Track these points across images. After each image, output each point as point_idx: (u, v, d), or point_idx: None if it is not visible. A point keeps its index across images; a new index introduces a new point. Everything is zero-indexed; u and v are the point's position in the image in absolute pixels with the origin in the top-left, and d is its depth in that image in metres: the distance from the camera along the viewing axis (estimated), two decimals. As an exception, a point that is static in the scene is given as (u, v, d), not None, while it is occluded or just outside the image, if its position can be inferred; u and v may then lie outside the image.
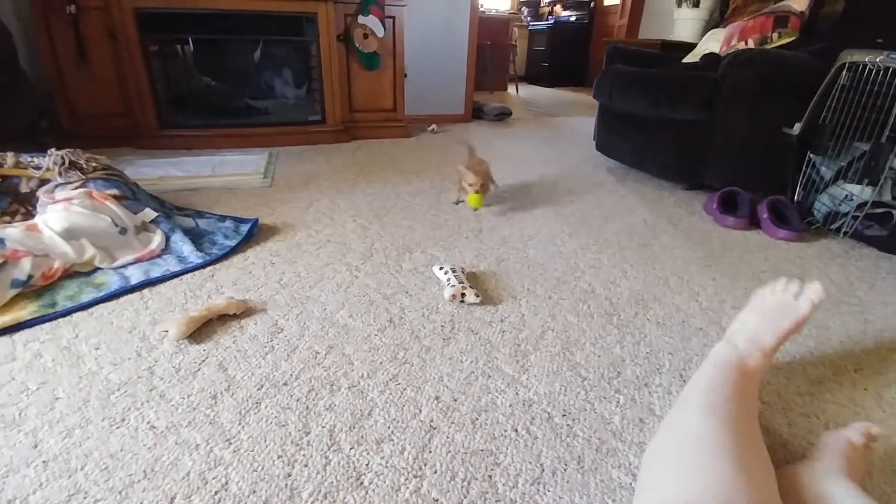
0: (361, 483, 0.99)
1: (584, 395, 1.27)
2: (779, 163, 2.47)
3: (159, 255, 1.83)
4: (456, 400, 1.21)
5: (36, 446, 1.06)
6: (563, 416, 1.20)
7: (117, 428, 1.11)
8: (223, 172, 2.81)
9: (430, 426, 1.14)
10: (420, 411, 1.17)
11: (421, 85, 4.44)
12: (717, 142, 2.57)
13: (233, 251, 1.88)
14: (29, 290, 1.60)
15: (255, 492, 0.98)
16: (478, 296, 1.59)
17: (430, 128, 4.13)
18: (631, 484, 1.02)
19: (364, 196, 2.46)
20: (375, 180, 2.68)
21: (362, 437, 1.10)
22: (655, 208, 2.54)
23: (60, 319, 1.49)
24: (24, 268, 1.61)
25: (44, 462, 1.03)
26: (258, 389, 1.23)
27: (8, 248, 1.63)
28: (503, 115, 4.66)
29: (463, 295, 1.58)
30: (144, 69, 3.29)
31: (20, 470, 1.01)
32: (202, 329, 1.42)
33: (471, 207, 2.27)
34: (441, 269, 1.71)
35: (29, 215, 1.93)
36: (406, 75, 3.96)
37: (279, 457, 1.05)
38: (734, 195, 2.49)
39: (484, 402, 1.21)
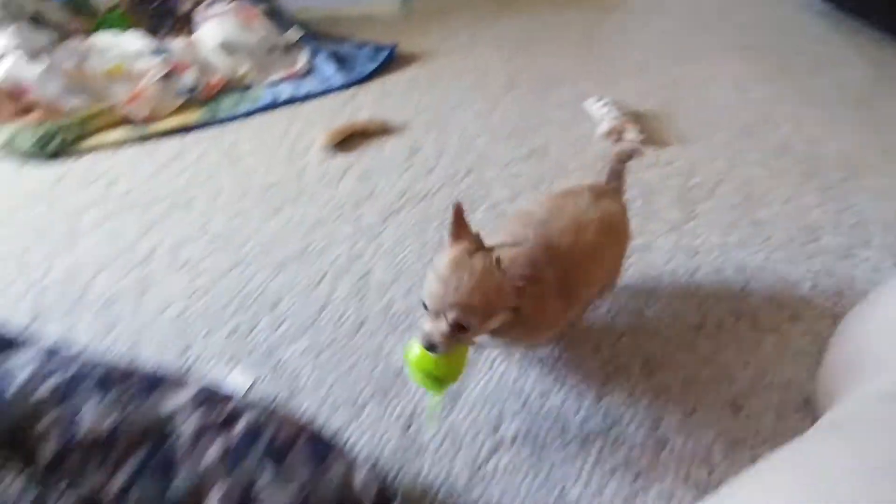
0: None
1: (765, 255, 1.04)
2: None
3: (304, 75, 1.83)
4: (605, 236, 1.08)
5: (205, 225, 1.19)
6: (737, 271, 1.01)
7: (273, 217, 1.19)
8: (360, 4, 2.66)
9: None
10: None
11: None
12: None
13: (372, 75, 1.81)
14: (194, 100, 1.72)
15: (396, 281, 1.00)
16: (641, 132, 1.34)
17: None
18: (818, 352, 0.83)
19: (509, 26, 2.16)
20: (523, 9, 2.34)
21: (500, 255, 1.04)
22: (878, 65, 1.86)
23: (220, 127, 1.59)
24: (189, 78, 1.72)
25: (212, 237, 1.15)
26: (398, 200, 1.21)
27: (174, 58, 1.74)
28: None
29: (622, 131, 1.35)
30: None
31: (193, 241, 1.14)
32: (345, 142, 1.42)
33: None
34: (596, 103, 1.46)
35: (189, 33, 2.02)
36: None
37: (419, 258, 1.04)
38: None
39: (638, 243, 1.05)
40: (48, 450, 0.62)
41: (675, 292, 0.96)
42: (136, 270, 1.06)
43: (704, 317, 0.92)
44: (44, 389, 0.63)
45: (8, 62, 1.53)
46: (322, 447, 0.61)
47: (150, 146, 1.50)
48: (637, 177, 1.24)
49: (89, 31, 1.83)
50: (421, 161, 1.34)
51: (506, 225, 0.78)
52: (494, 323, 0.64)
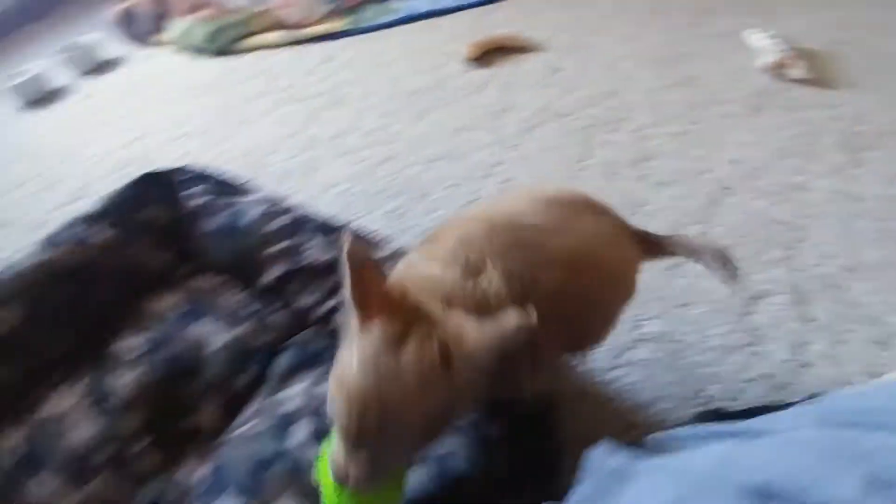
0: (641, 210, 0.97)
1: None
2: None
3: (440, -10, 1.84)
4: (757, 169, 1.04)
5: (359, 120, 1.29)
6: (903, 221, 0.94)
7: (420, 120, 1.26)
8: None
9: (723, 186, 1.01)
10: (712, 170, 1.04)
11: None
12: None
13: (508, -7, 1.78)
14: (338, 9, 1.80)
15: (537, 191, 1.05)
16: (807, 70, 1.23)
17: None
18: None
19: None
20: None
21: (643, 175, 1.04)
22: None
23: (363, 36, 1.66)
24: (336, -14, 1.79)
25: (366, 132, 1.25)
26: (538, 114, 1.23)
27: (325, -35, 1.80)
28: None
29: (788, 65, 1.24)
30: None
31: (350, 133, 1.25)
32: (484, 56, 1.44)
33: None
34: (758, 34, 1.34)
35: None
36: None
37: (559, 170, 1.07)
38: None
39: (796, 180, 1.01)
40: (272, 274, 0.76)
41: (829, 234, 0.93)
42: (303, 153, 1.20)
43: (858, 261, 0.88)
44: (274, 225, 0.76)
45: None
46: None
47: (301, 49, 1.62)
48: (799, 115, 1.16)
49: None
50: (561, 80, 1.34)
51: (452, 234, 0.52)
52: (442, 434, 0.45)
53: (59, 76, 1.66)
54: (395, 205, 1.05)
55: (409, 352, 0.40)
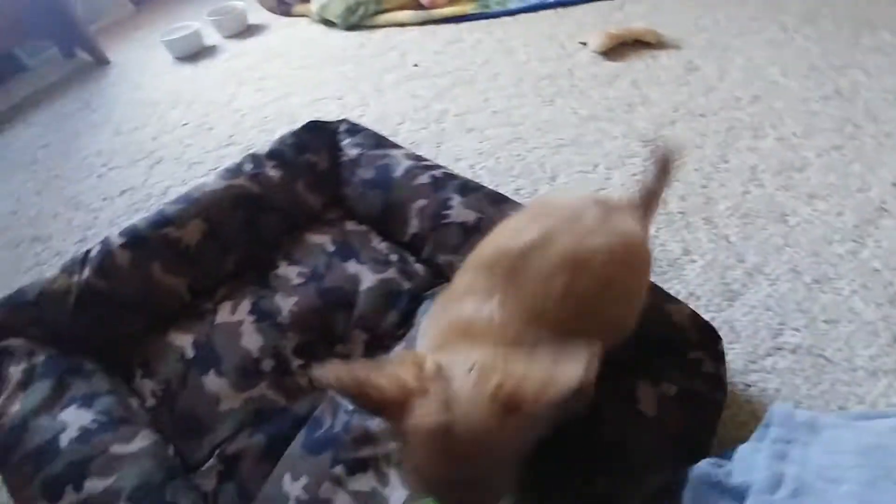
0: (786, 221, 0.92)
1: None
2: None
3: (570, -19, 1.83)
4: (926, 196, 0.95)
5: (486, 100, 1.31)
6: None
7: (547, 105, 1.27)
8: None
9: (881, 207, 0.93)
10: (869, 188, 0.96)
11: None
12: None
13: (641, -12, 1.73)
14: (466, -8, 1.83)
15: (669, 188, 1.02)
16: None
17: None
18: None
19: (807, -46, 1.85)
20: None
21: (790, 185, 0.98)
22: None
23: (492, 20, 1.69)
24: (467, -30, 1.83)
25: (493, 112, 1.27)
26: (673, 112, 1.19)
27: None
28: None
29: (971, 84, 1.11)
30: None
31: (477, 112, 1.28)
32: (616, 49, 1.41)
33: None
34: (936, 48, 1.21)
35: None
36: None
37: (696, 169, 1.04)
38: None
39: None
40: (413, 227, 0.80)
41: None
42: (431, 126, 1.24)
43: None
44: (422, 178, 0.80)
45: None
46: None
47: (430, 29, 1.67)
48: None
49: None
50: (699, 79, 1.28)
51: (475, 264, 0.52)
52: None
53: (210, 36, 1.83)
54: (520, 184, 1.06)
55: (467, 431, 0.38)
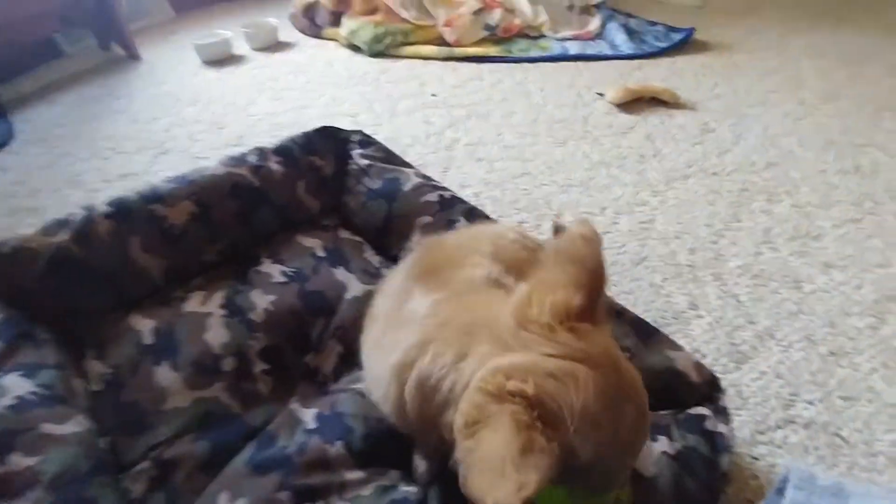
0: (800, 287, 0.87)
1: None
2: None
3: (593, 38, 1.87)
4: (950, 282, 0.90)
5: (499, 135, 1.30)
6: None
7: (559, 146, 1.26)
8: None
9: (904, 285, 0.89)
10: (890, 265, 0.92)
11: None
12: None
13: (662, 52, 1.77)
14: (493, 36, 1.88)
15: (678, 238, 0.98)
16: None
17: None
18: None
19: (829, 39, 1.90)
20: (848, 26, 2.03)
21: (805, 251, 0.94)
22: None
23: (514, 64, 1.72)
24: (495, 16, 1.88)
25: (504, 146, 1.26)
26: (686, 167, 1.17)
27: (490, -2, 1.91)
28: None
29: None
30: None
31: (489, 144, 1.27)
32: (633, 103, 1.42)
33: None
34: (954, 138, 1.21)
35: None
36: None
37: (707, 225, 1.00)
38: None
39: None
40: (417, 242, 0.75)
41: None
42: (442, 151, 1.23)
43: None
44: (431, 196, 0.76)
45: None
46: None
47: (452, 65, 1.70)
48: None
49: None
50: (714, 140, 1.28)
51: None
52: None
53: (240, 47, 1.87)
54: (524, 217, 1.03)
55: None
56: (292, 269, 0.71)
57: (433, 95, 1.50)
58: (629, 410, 0.36)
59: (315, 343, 0.64)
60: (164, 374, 0.60)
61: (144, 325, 0.65)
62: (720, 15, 2.18)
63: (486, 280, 0.49)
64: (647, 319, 0.82)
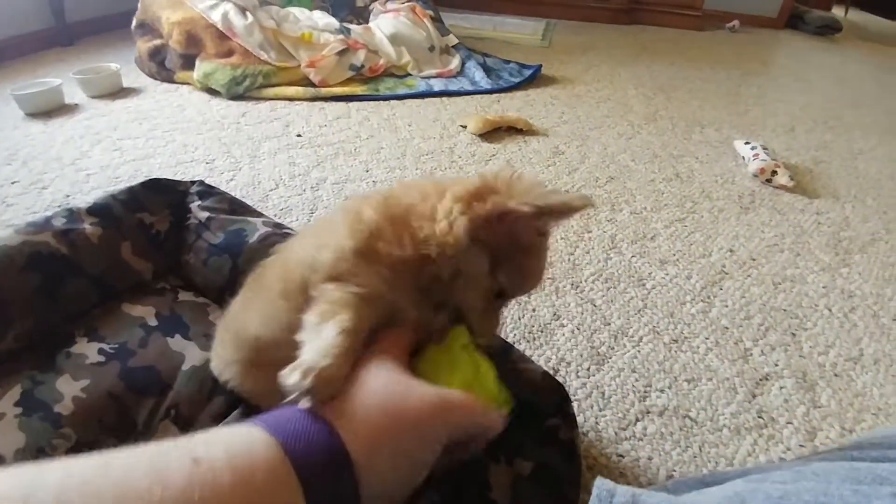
0: (643, 284, 0.97)
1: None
2: None
3: (455, 75, 1.99)
4: (754, 260, 1.06)
5: (368, 171, 1.30)
6: (895, 320, 0.96)
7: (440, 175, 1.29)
8: (504, 30, 2.86)
9: (722, 270, 1.03)
10: (710, 254, 1.07)
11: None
12: None
13: (516, 86, 1.93)
14: (359, 76, 1.91)
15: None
16: (792, 179, 1.33)
17: (731, 24, 3.42)
18: None
19: (648, 71, 2.23)
20: (661, 60, 2.40)
21: (644, 252, 1.06)
22: None
23: (381, 101, 1.76)
24: (360, 57, 1.92)
25: (373, 182, 1.26)
26: (543, 187, 1.27)
27: (351, 38, 1.95)
28: (828, 30, 3.59)
29: (774, 172, 1.34)
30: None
31: (357, 181, 1.26)
32: (492, 133, 1.52)
33: None
34: (746, 144, 1.47)
35: (365, 21, 2.26)
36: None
37: (562, 238, 1.08)
38: None
39: (790, 273, 1.03)
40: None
41: (827, 325, 0.93)
42: (307, 192, 1.19)
43: (861, 352, 0.88)
44: (279, 245, 0.72)
45: (225, 8, 1.79)
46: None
47: (319, 104, 1.69)
48: (787, 217, 1.22)
49: (281, 6, 2.10)
50: (564, 161, 1.40)
51: None
52: None
53: (74, 95, 1.67)
54: (396, 251, 1.02)
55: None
56: (112, 346, 0.61)
57: (298, 136, 1.46)
58: None
59: (143, 429, 0.55)
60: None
61: None
62: (563, 53, 2.46)
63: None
64: (517, 335, 0.85)
